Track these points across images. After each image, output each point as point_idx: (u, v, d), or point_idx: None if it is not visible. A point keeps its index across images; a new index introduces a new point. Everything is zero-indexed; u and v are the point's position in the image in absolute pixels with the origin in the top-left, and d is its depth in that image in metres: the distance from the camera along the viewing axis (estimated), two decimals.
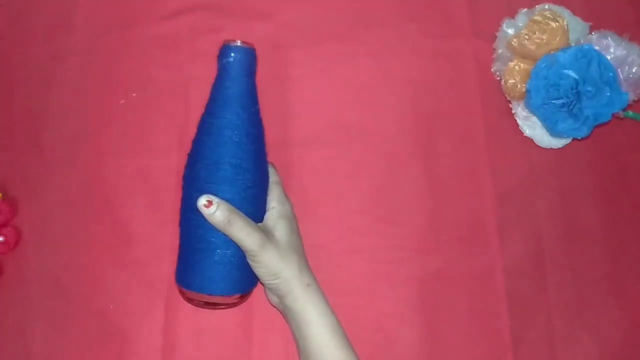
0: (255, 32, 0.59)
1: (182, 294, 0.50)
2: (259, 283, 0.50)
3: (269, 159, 0.51)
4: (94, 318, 0.53)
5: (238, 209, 0.46)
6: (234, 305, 0.51)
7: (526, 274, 0.56)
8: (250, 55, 0.49)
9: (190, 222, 0.48)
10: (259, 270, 0.47)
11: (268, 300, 0.51)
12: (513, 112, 0.58)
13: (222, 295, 0.48)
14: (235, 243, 0.46)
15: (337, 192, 0.57)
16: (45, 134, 0.58)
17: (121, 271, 0.54)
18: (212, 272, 0.48)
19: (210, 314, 0.53)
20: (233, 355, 0.53)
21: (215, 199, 0.45)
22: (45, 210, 0.56)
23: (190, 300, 0.50)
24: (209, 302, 0.49)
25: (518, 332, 0.54)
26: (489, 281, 0.55)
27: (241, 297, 0.50)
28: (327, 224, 0.56)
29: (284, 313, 0.50)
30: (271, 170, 0.52)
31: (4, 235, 0.54)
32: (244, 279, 0.49)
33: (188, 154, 0.50)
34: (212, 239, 0.47)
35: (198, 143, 0.49)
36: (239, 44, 0.48)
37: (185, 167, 0.50)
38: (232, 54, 0.48)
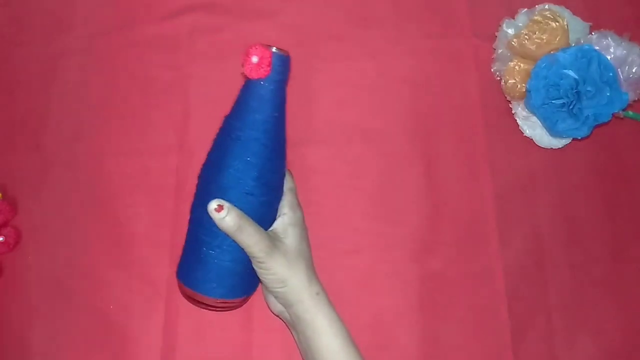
0: (255, 32, 0.59)
1: (181, 289, 0.50)
2: (260, 289, 0.50)
3: None
4: (94, 318, 0.53)
5: (248, 214, 0.46)
6: (231, 308, 0.51)
7: (526, 274, 0.56)
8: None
9: (199, 221, 0.48)
10: (266, 277, 0.47)
11: (270, 309, 0.51)
12: (513, 112, 0.58)
13: (221, 299, 0.48)
14: (241, 249, 0.46)
15: (337, 192, 0.57)
16: (45, 134, 0.58)
17: (121, 271, 0.54)
18: (213, 276, 0.47)
19: (210, 314, 0.53)
20: (233, 355, 0.53)
21: (226, 204, 0.45)
22: (45, 210, 0.56)
23: (188, 297, 0.50)
24: (205, 303, 0.49)
25: (518, 332, 0.54)
26: (489, 281, 0.55)
27: (242, 300, 0.50)
28: (327, 224, 0.56)
29: (290, 322, 0.49)
30: (289, 178, 0.51)
31: (4, 235, 0.54)
32: (245, 285, 0.49)
33: (208, 153, 0.49)
34: (217, 242, 0.47)
35: (221, 146, 0.48)
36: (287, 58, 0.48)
37: (204, 166, 0.49)
38: (286, 70, 0.48)
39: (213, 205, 0.45)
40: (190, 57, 0.59)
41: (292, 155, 0.57)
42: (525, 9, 0.57)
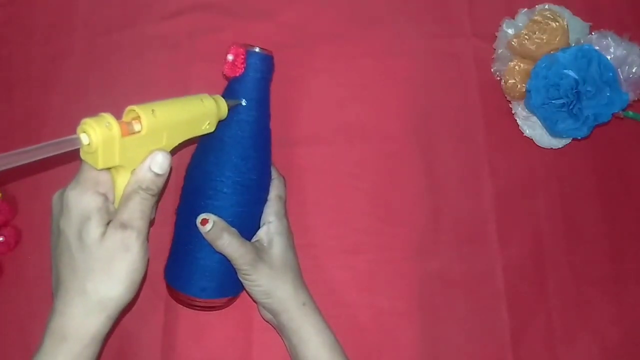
0: (255, 32, 0.59)
1: (168, 289, 0.50)
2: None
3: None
4: None
5: (225, 215, 0.46)
6: (218, 308, 0.51)
7: (526, 274, 0.56)
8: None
9: (183, 223, 0.48)
10: (252, 289, 0.47)
11: (261, 315, 0.51)
12: (513, 112, 0.58)
13: (206, 299, 0.48)
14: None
15: (337, 192, 0.57)
16: (45, 134, 0.58)
17: None
18: (198, 276, 0.48)
19: (210, 314, 0.53)
20: (233, 355, 0.53)
21: (211, 218, 0.45)
22: (45, 210, 0.56)
23: (175, 297, 0.50)
24: (191, 304, 0.49)
25: (518, 332, 0.54)
26: (489, 281, 0.55)
27: (228, 300, 0.50)
28: (327, 224, 0.56)
29: (279, 330, 0.50)
30: (279, 185, 0.51)
31: (4, 235, 0.54)
32: (230, 285, 0.49)
33: (192, 155, 0.50)
34: (202, 243, 0.47)
35: (200, 146, 0.49)
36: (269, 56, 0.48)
37: (188, 165, 0.50)
38: (266, 69, 0.48)
39: (199, 219, 0.45)
40: (190, 57, 0.59)
41: (292, 155, 0.57)
42: (525, 9, 0.57)
